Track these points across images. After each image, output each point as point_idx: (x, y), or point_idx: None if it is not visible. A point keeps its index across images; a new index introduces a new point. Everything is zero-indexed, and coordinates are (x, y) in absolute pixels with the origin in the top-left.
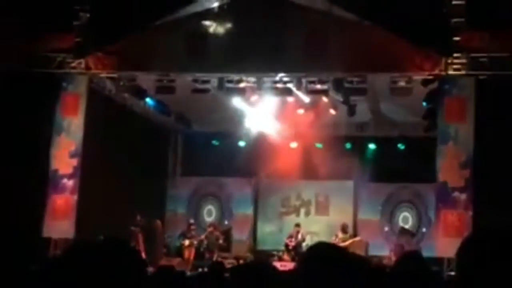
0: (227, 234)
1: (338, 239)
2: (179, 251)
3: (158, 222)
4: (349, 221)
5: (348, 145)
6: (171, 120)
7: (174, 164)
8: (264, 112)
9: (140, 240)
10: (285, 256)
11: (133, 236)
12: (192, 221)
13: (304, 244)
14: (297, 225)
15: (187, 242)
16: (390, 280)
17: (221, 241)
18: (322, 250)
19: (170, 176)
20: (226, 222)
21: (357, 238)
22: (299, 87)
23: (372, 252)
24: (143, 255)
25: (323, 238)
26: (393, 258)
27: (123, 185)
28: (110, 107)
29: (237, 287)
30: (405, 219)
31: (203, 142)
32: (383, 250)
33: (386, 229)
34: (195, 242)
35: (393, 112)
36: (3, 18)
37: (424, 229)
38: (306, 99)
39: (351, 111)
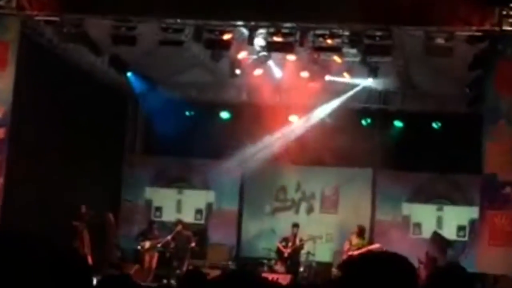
0: (201, 235)
1: (352, 246)
2: (137, 256)
3: (110, 216)
4: (365, 222)
5: (366, 121)
6: (130, 81)
7: (133, 138)
8: (255, 75)
9: (85, 239)
10: (278, 266)
11: (76, 234)
12: (154, 218)
13: (303, 252)
14: (295, 225)
15: (147, 244)
16: None
17: (193, 244)
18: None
19: (126, 155)
20: (201, 220)
21: (375, 245)
22: (303, 42)
23: None
24: (89, 259)
25: (330, 243)
26: (423, 274)
27: (65, 165)
28: (49, 61)
29: None
30: (439, 221)
31: (172, 111)
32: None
33: (413, 234)
34: (159, 245)
35: (427, 79)
36: None
37: (464, 236)
38: (311, 58)
39: (372, 76)
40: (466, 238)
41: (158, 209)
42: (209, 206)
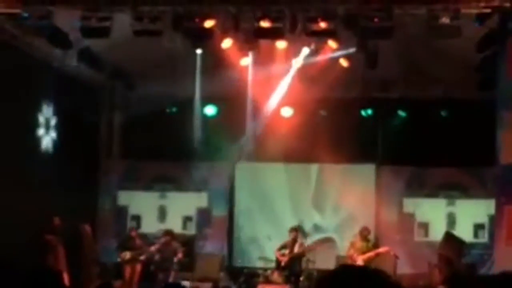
0: (189, 244)
1: (355, 250)
2: (119, 270)
3: (86, 227)
4: (369, 224)
5: (367, 112)
6: (104, 78)
7: (109, 142)
8: (242, 65)
9: (60, 254)
10: (275, 276)
11: (49, 249)
12: (133, 225)
13: (304, 260)
14: (294, 229)
15: (128, 255)
16: None
17: (180, 256)
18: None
19: (102, 159)
20: (191, 230)
21: (383, 249)
22: (293, 27)
23: (402, 269)
24: (65, 277)
25: (332, 249)
26: (437, 278)
27: (35, 172)
28: (12, 58)
29: None
30: (451, 218)
31: (151, 109)
32: (416, 266)
33: (418, 236)
34: (142, 257)
35: (432, 63)
36: None
37: (484, 237)
38: (304, 44)
39: (371, 62)
40: (486, 240)
41: (135, 218)
42: (201, 212)
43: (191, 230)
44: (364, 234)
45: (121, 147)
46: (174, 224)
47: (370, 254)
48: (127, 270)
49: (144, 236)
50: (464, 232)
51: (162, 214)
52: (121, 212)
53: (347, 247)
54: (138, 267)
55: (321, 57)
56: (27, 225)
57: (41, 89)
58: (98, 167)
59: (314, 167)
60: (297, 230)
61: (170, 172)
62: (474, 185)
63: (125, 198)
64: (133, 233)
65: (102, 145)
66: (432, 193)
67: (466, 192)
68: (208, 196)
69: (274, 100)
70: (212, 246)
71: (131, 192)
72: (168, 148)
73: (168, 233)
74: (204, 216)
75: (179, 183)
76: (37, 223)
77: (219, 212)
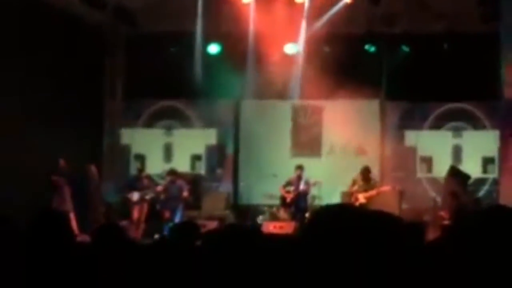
0: (195, 183)
1: (358, 187)
2: (124, 210)
3: (92, 167)
4: (374, 159)
5: (370, 48)
6: (106, 15)
7: (112, 82)
8: (245, 2)
9: (66, 195)
10: (281, 213)
11: (55, 190)
12: (136, 165)
13: (309, 197)
14: (299, 167)
15: (135, 196)
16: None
17: (185, 194)
18: (332, 218)
19: (107, 100)
20: (200, 170)
21: (386, 187)
22: None
23: (408, 203)
24: (71, 216)
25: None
26: (443, 213)
27: (38, 113)
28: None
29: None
30: (457, 153)
31: (154, 47)
32: (423, 200)
33: (421, 171)
34: (148, 197)
35: None
36: None
37: (493, 172)
38: None
39: None
40: (496, 175)
41: (139, 157)
42: (210, 149)
43: (201, 170)
44: (364, 174)
45: (124, 88)
46: (182, 163)
47: (372, 192)
48: (136, 211)
49: (149, 177)
50: (472, 167)
51: (168, 152)
52: (125, 151)
53: (350, 184)
54: (145, 207)
55: None
56: (33, 168)
57: (39, 28)
58: (102, 107)
59: (318, 103)
60: (302, 168)
61: (175, 108)
62: (482, 116)
63: (128, 136)
64: (140, 173)
65: (105, 87)
66: (435, 125)
67: (473, 122)
68: (217, 133)
69: (277, 37)
70: (219, 184)
71: (135, 130)
72: (172, 86)
73: (172, 172)
74: (213, 154)
75: (186, 120)
76: (43, 165)
77: (222, 149)
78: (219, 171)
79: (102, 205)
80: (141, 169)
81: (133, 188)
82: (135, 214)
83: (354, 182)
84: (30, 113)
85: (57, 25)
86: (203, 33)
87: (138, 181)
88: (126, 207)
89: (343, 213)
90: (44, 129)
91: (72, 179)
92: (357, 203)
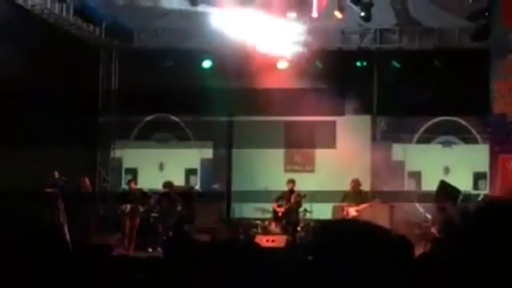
0: (188, 197)
1: (349, 201)
2: (116, 223)
3: (86, 180)
4: (364, 175)
5: (361, 63)
6: (101, 32)
7: (107, 95)
8: (238, 17)
9: (60, 208)
10: (272, 227)
11: (49, 203)
12: (130, 177)
13: (300, 210)
14: (291, 181)
15: (128, 207)
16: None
17: (179, 208)
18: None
19: (101, 113)
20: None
21: (376, 201)
22: None
23: (398, 217)
24: (65, 229)
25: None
26: (433, 229)
27: (34, 127)
28: (8, 11)
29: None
30: (447, 167)
31: (149, 63)
32: (413, 214)
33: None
34: (141, 209)
35: (427, 13)
36: None
37: (484, 188)
38: None
39: (366, 13)
40: (487, 191)
41: (131, 170)
42: (204, 163)
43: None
44: (355, 187)
45: (119, 102)
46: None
47: (364, 205)
48: (127, 223)
49: (141, 190)
50: (463, 182)
51: (160, 167)
52: (118, 164)
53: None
54: (137, 220)
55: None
56: (26, 181)
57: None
58: (96, 120)
59: (310, 119)
60: (294, 182)
61: (169, 122)
62: (472, 130)
63: (122, 150)
64: (132, 185)
65: (100, 100)
66: (424, 139)
67: (464, 136)
68: (200, 148)
69: (269, 52)
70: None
71: (128, 143)
72: (165, 102)
73: (168, 184)
74: (209, 168)
75: (180, 133)
76: (37, 178)
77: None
78: (215, 186)
79: (96, 217)
80: (134, 181)
81: (126, 200)
82: (126, 226)
83: (345, 196)
84: (24, 125)
85: (53, 41)
86: (197, 49)
87: (130, 193)
88: (118, 219)
89: (339, 228)
90: (38, 142)
91: (66, 191)
92: (348, 217)
